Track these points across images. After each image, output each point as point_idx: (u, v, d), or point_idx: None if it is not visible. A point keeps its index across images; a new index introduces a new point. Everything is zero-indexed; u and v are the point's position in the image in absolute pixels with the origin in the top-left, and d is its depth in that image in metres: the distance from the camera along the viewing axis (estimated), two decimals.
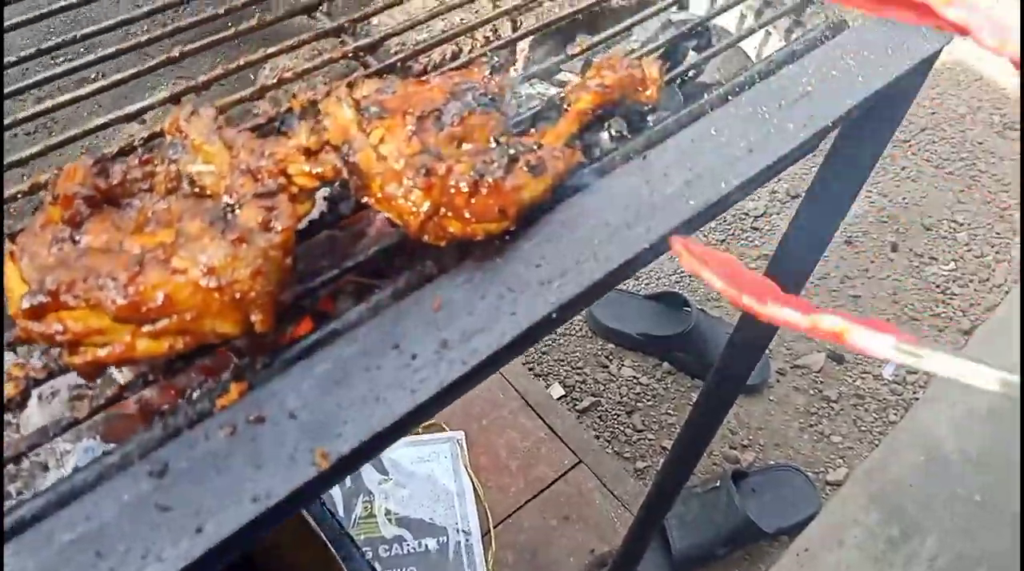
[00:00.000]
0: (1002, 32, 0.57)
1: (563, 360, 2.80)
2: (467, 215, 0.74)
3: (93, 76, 1.01)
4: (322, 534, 1.63)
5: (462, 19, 1.02)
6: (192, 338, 0.65)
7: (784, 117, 0.91)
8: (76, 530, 0.60)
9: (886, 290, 3.16)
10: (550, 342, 2.77)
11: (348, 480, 2.08)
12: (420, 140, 0.75)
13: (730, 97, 0.93)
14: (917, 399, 2.92)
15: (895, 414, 2.90)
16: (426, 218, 0.74)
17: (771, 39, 1.09)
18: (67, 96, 0.87)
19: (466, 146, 0.77)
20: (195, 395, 0.74)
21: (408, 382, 0.70)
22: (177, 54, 0.86)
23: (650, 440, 2.73)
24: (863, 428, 2.84)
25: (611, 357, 2.87)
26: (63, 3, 0.95)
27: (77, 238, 0.66)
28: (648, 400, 2.81)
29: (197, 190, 0.71)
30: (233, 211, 0.68)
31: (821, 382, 2.93)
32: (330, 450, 0.65)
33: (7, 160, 0.80)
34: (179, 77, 1.11)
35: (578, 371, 2.80)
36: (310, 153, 0.72)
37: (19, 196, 0.76)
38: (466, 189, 0.73)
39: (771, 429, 2.79)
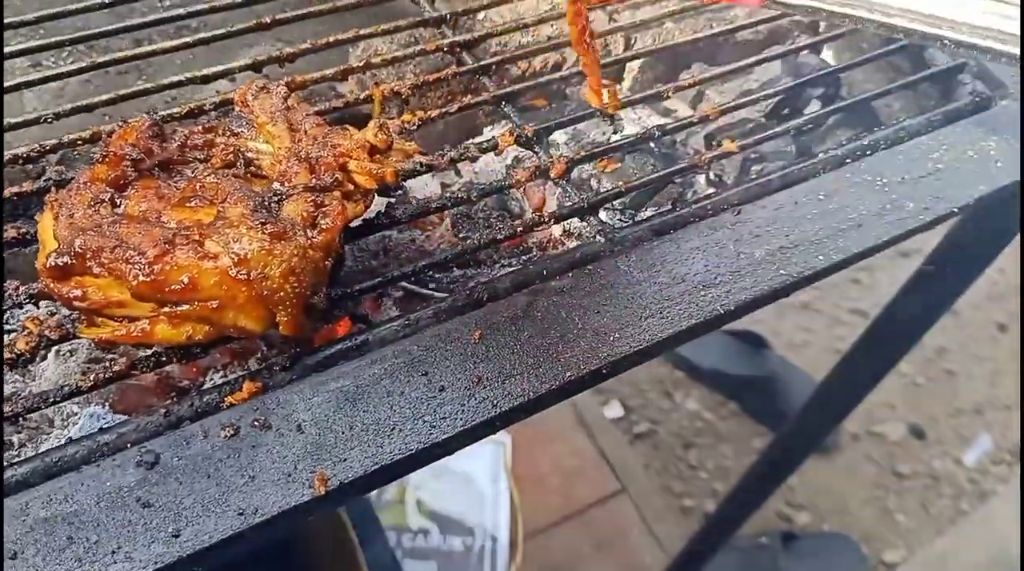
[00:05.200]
0: None
1: (626, 379, 2.71)
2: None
3: (196, 26, 0.99)
4: (343, 509, 1.58)
5: None
6: (213, 329, 0.61)
7: (905, 193, 0.82)
8: (52, 508, 0.57)
9: (985, 371, 2.96)
10: None
11: None
12: None
13: (848, 160, 0.84)
14: (995, 493, 2.73)
15: (968, 504, 2.72)
16: None
17: (905, 104, 0.98)
18: (159, 45, 0.84)
19: None
20: (209, 383, 0.70)
21: (429, 416, 0.64)
22: (268, 20, 0.82)
23: (702, 479, 2.62)
24: (932, 512, 2.67)
25: (677, 385, 2.77)
26: None
27: (118, 201, 0.63)
28: (708, 438, 2.70)
29: (252, 170, 0.67)
30: (281, 201, 0.63)
31: (896, 455, 2.76)
32: (331, 475, 0.60)
33: (82, 102, 0.77)
34: (278, 40, 1.08)
35: (641, 393, 2.72)
36: (374, 150, 0.67)
37: (79, 142, 0.73)
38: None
39: (833, 494, 2.65)
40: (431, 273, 0.78)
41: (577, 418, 2.39)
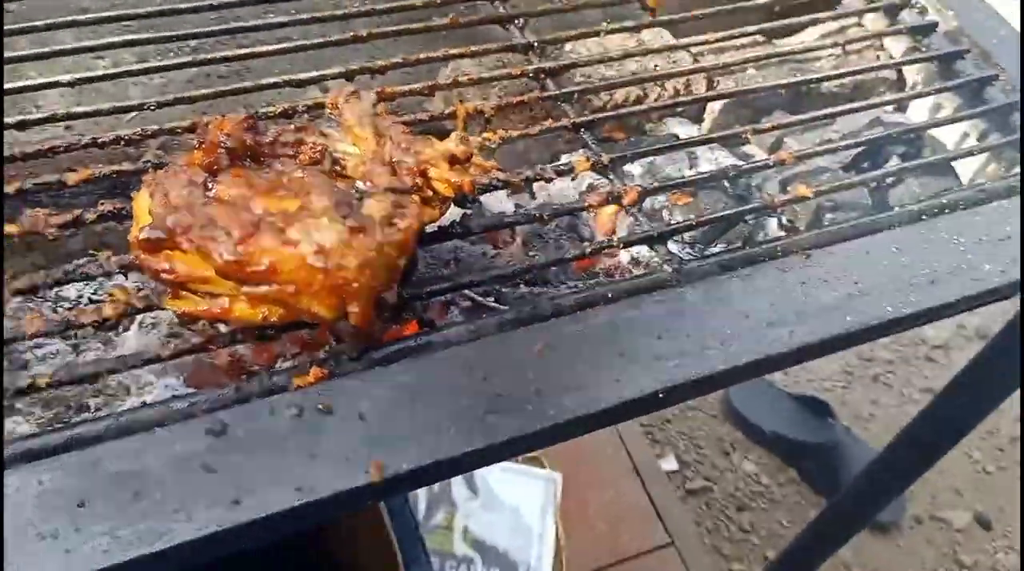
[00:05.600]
0: None
1: (685, 433, 2.68)
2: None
3: (295, 36, 1.04)
4: (390, 526, 1.59)
5: (656, 66, 0.97)
6: (287, 312, 0.64)
7: (982, 254, 0.81)
8: (122, 463, 0.60)
9: None
10: (675, 411, 2.65)
11: (436, 485, 2.06)
12: None
13: (925, 216, 0.83)
14: None
15: None
16: None
17: (989, 167, 0.97)
18: (256, 48, 0.89)
19: None
20: (280, 365, 0.73)
21: (488, 420, 0.66)
22: (364, 34, 0.86)
23: (754, 545, 2.55)
24: None
25: (736, 446, 2.72)
26: None
27: (210, 186, 0.66)
28: (763, 502, 2.64)
29: (337, 169, 0.71)
30: (362, 199, 0.66)
31: (959, 543, 2.65)
32: (387, 464, 0.62)
33: (184, 94, 0.83)
34: (372, 56, 1.13)
35: (698, 450, 2.67)
36: (455, 161, 0.70)
37: (179, 131, 0.78)
38: None
39: None
40: (499, 287, 0.80)
41: (631, 466, 2.36)
